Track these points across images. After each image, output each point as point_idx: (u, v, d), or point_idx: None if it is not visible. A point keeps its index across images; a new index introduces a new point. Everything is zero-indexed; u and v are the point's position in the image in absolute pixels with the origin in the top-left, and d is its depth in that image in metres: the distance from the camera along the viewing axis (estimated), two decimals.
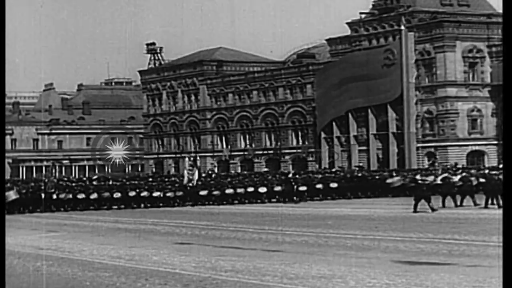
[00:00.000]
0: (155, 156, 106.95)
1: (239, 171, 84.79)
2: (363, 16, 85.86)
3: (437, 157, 76.28)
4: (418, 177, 38.33)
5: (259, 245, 23.05)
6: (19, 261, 20.36)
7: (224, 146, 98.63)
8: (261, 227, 29.08)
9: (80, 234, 28.91)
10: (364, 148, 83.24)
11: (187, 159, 50.43)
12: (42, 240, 26.32)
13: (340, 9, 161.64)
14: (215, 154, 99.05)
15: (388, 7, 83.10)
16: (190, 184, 47.30)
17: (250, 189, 47.18)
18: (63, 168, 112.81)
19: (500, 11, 77.12)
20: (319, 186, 48.39)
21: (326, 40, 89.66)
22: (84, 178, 56.63)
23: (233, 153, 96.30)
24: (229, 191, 46.91)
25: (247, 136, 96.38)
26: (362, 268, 17.51)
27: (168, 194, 46.05)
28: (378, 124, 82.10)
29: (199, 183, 47.82)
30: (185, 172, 49.85)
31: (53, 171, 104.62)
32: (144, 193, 45.49)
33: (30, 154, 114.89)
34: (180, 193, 46.38)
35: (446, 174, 40.21)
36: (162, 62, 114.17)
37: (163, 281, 16.42)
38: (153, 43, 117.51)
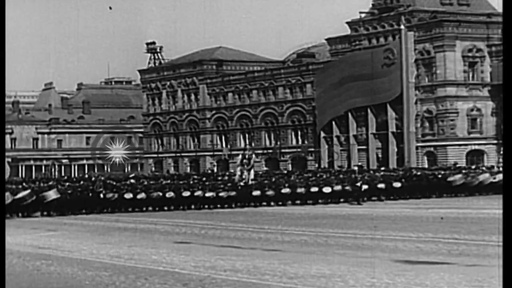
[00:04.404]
0: (155, 155, 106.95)
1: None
2: (363, 15, 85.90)
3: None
4: None
5: (258, 244, 23.02)
6: (19, 261, 20.34)
7: (224, 145, 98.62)
8: (260, 227, 29.05)
9: (79, 233, 28.88)
10: (364, 147, 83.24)
11: (241, 156, 46.70)
12: (41, 239, 26.30)
13: (340, 8, 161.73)
14: (215, 153, 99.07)
15: (388, 7, 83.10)
16: (242, 183, 43.85)
17: (314, 189, 43.24)
18: (63, 167, 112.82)
19: (500, 10, 77.14)
20: (381, 185, 45.17)
21: (326, 39, 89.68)
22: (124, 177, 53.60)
23: (232, 153, 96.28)
24: (285, 190, 42.71)
25: (247, 136, 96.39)
26: (361, 267, 17.49)
27: (221, 194, 42.11)
28: (377, 124, 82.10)
29: (254, 182, 44.47)
30: (238, 169, 46.12)
31: (53, 170, 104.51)
32: (199, 193, 41.68)
33: (29, 153, 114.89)
34: (233, 193, 42.36)
35: None
36: (162, 61, 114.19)
37: (162, 280, 16.41)
38: (153, 42, 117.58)
